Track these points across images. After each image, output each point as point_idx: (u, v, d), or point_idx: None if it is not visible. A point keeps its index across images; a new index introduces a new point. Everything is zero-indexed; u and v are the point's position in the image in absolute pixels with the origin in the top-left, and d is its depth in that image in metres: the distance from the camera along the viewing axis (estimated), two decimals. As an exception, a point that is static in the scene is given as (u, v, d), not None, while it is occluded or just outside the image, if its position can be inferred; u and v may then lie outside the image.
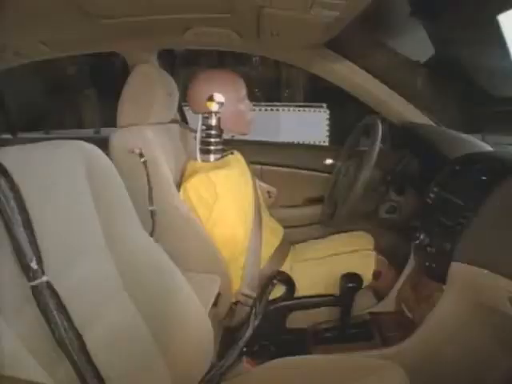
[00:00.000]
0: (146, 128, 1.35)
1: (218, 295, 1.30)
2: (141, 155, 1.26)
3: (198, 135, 1.45)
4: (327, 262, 1.54)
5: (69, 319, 0.69)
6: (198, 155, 1.44)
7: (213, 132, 1.45)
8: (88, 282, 0.83)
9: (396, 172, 1.44)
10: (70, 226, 0.82)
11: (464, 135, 1.51)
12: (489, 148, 1.37)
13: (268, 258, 1.49)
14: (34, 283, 0.66)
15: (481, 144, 1.42)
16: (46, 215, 0.76)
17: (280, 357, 1.10)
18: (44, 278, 0.67)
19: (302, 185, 1.95)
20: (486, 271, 0.99)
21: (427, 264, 1.17)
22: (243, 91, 1.52)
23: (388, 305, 1.45)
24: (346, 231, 1.72)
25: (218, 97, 1.43)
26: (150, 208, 1.28)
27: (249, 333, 1.26)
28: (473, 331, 1.13)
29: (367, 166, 1.34)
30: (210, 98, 1.43)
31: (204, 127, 1.45)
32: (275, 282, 1.40)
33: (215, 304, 1.30)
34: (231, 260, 1.39)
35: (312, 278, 1.49)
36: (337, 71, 1.68)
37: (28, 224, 0.67)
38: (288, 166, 1.97)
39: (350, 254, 1.56)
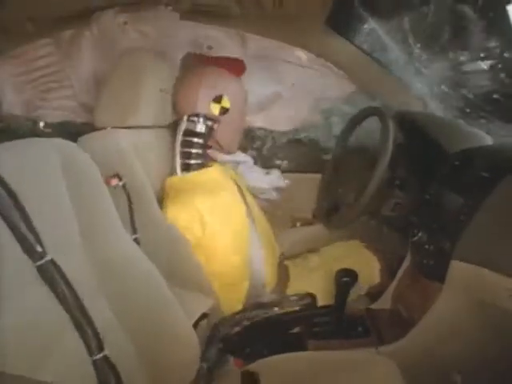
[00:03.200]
0: (123, 135, 1.16)
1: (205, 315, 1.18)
2: (119, 178, 1.08)
3: (178, 142, 1.27)
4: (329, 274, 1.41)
5: (76, 295, 0.76)
6: (178, 168, 1.28)
7: (196, 140, 1.26)
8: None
9: (397, 168, 1.39)
10: (45, 227, 0.77)
11: (464, 126, 1.47)
12: (490, 142, 1.33)
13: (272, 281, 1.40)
14: (40, 262, 0.72)
15: (482, 136, 1.38)
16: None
17: (276, 353, 1.09)
18: (49, 257, 0.73)
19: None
20: (485, 270, 0.97)
21: (425, 262, 1.15)
22: (245, 106, 1.35)
23: (384, 303, 1.43)
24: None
25: (226, 102, 1.25)
26: (134, 236, 1.11)
27: (227, 330, 1.19)
28: (471, 330, 1.11)
29: (381, 167, 1.23)
30: (217, 100, 1.24)
31: (183, 136, 1.26)
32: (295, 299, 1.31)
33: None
34: (233, 286, 1.30)
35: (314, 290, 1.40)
36: (337, 51, 1.61)
37: (25, 215, 0.72)
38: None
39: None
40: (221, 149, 1.39)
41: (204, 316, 1.14)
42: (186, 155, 1.26)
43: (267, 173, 1.75)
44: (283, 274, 1.46)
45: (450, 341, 1.15)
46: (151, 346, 0.89)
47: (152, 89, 1.24)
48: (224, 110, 1.26)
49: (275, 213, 1.73)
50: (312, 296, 1.33)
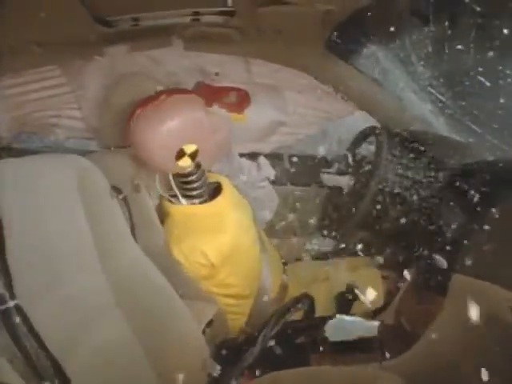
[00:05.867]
0: (124, 154, 1.21)
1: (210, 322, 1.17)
2: (118, 191, 1.06)
3: (171, 178, 1.19)
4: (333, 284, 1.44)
5: (42, 345, 0.66)
6: (181, 198, 1.21)
7: (190, 179, 1.18)
8: (78, 298, 0.80)
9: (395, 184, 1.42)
10: (59, 240, 0.79)
11: (464, 141, 1.50)
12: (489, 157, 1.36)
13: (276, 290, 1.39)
14: (1, 308, 0.64)
15: (481, 151, 1.41)
16: (35, 229, 0.74)
17: (279, 368, 1.09)
18: (11, 303, 0.64)
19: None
20: (487, 283, 0.98)
21: (427, 276, 1.16)
22: (210, 118, 1.14)
23: (387, 317, 1.43)
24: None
25: (190, 148, 1.11)
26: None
27: (252, 357, 1.13)
28: (473, 344, 1.12)
29: (373, 184, 1.30)
30: (180, 155, 1.10)
31: (175, 176, 1.18)
32: (300, 306, 1.25)
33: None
34: (240, 305, 1.30)
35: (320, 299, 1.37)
36: (337, 74, 1.65)
37: None
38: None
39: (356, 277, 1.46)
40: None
41: (209, 323, 1.13)
42: (186, 189, 1.20)
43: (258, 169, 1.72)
44: (283, 283, 1.46)
45: (452, 354, 1.15)
46: (162, 354, 0.90)
47: None
48: (194, 156, 1.14)
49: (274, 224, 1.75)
50: (309, 297, 1.29)
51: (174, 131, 1.08)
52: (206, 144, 1.14)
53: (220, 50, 1.57)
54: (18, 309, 0.65)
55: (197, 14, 1.31)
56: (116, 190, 1.05)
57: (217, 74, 1.58)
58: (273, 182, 1.79)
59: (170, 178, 1.18)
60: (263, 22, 1.26)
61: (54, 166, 0.84)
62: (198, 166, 1.17)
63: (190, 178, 1.18)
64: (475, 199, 1.07)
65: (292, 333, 1.28)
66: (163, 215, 1.25)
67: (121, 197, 1.06)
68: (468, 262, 1.03)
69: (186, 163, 1.13)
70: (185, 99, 1.13)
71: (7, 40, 1.20)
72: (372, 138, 1.51)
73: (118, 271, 0.90)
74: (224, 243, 1.18)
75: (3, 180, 0.69)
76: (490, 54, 1.35)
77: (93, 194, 0.88)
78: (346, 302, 1.34)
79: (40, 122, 1.63)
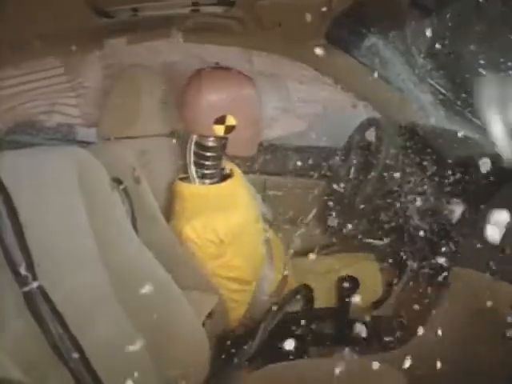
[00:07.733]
0: (125, 145, 1.21)
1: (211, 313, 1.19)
2: (119, 181, 1.05)
3: (191, 152, 1.23)
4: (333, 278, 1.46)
5: (64, 325, 0.67)
6: (195, 176, 1.24)
7: (209, 154, 1.22)
8: (79, 292, 0.80)
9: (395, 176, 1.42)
10: (60, 235, 0.79)
11: (463, 134, 1.49)
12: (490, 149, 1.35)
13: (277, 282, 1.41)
14: (25, 289, 0.64)
15: (481, 143, 1.40)
16: (35, 224, 0.72)
17: (277, 360, 1.09)
18: (35, 284, 0.65)
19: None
20: (487, 276, 0.98)
21: (426, 269, 1.16)
22: (259, 108, 1.26)
23: (386, 310, 1.44)
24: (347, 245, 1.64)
25: (230, 120, 1.17)
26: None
27: (252, 350, 1.16)
28: (473, 337, 1.12)
29: (374, 175, 1.32)
30: (220, 121, 1.16)
31: (195, 148, 1.22)
32: (298, 297, 1.30)
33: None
34: (242, 291, 1.31)
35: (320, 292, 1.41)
36: (337, 66, 1.64)
37: (18, 227, 0.65)
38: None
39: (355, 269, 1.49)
40: (237, 156, 1.36)
41: (209, 314, 1.14)
42: (201, 165, 1.23)
43: None
44: (283, 277, 1.47)
45: (451, 348, 1.15)
46: (162, 348, 0.90)
47: (152, 100, 1.28)
48: (230, 129, 1.18)
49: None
50: (308, 288, 1.33)
51: (226, 98, 1.18)
52: (242, 127, 1.19)
53: (220, 41, 1.56)
54: (41, 290, 0.66)
55: (196, 4, 1.30)
56: (116, 180, 1.04)
57: (217, 63, 1.57)
58: (273, 174, 1.80)
59: (193, 141, 1.21)
60: (263, 13, 1.25)
61: (53, 159, 0.83)
62: (222, 145, 1.21)
63: (209, 154, 1.21)
64: (476, 192, 1.07)
65: (291, 325, 1.29)
66: (173, 196, 1.28)
67: (121, 187, 1.06)
68: (468, 255, 1.03)
69: (219, 131, 1.18)
70: (251, 82, 1.25)
71: (7, 34, 1.19)
72: (373, 129, 1.51)
73: (119, 265, 0.90)
74: (234, 221, 1.21)
75: (1, 173, 0.68)
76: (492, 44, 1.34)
77: (93, 186, 0.87)
78: (346, 291, 1.34)
79: (34, 111, 1.61)
